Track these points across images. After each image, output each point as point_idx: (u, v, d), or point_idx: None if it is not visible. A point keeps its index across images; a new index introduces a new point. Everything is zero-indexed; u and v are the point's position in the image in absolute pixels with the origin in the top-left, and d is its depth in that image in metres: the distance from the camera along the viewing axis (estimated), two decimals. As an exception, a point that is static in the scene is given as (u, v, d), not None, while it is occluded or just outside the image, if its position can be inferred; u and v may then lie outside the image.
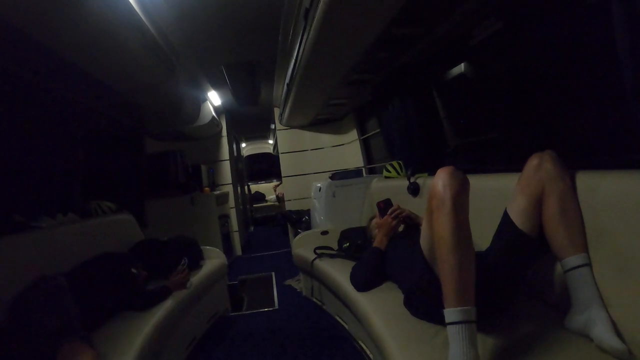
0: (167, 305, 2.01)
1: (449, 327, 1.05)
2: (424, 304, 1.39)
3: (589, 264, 1.16)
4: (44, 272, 1.65)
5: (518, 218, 1.28)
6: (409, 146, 2.88)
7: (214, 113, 4.50)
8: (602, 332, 1.04)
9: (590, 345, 1.08)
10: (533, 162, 1.29)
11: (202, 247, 2.97)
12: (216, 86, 3.97)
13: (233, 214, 5.45)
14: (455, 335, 1.03)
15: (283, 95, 4.11)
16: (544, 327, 1.21)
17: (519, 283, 1.40)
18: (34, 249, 1.88)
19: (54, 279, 1.61)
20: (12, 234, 1.86)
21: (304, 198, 5.17)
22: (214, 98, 4.28)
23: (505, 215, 1.33)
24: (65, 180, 2.58)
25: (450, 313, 1.05)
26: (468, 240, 1.12)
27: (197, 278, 2.48)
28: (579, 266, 1.16)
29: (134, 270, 2.08)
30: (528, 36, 1.77)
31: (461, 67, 2.32)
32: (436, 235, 1.13)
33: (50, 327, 1.36)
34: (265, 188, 9.68)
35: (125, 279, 1.99)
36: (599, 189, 1.19)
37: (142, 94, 2.78)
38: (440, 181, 1.15)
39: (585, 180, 1.25)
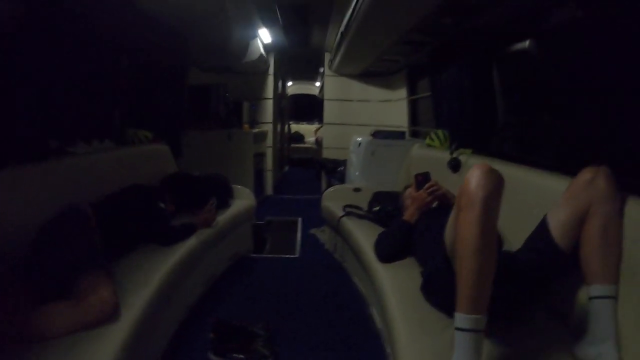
0: (190, 243, 2.04)
1: (457, 332, 1.02)
2: (440, 295, 1.38)
3: (615, 297, 1.09)
4: (72, 201, 1.65)
5: (556, 230, 1.22)
6: (458, 118, 2.73)
7: (262, 51, 4.40)
8: None
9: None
10: (585, 176, 1.20)
11: (233, 186, 3.00)
12: (268, 24, 3.83)
13: (269, 153, 5.49)
14: (461, 342, 1.01)
15: (336, 42, 3.94)
16: (551, 347, 1.17)
17: (539, 295, 1.35)
18: (68, 176, 1.90)
19: (80, 209, 1.61)
20: (48, 161, 1.85)
21: (342, 148, 5.08)
22: (264, 35, 4.15)
23: (544, 222, 1.27)
24: (105, 107, 2.57)
25: (461, 319, 1.02)
26: (492, 246, 1.05)
27: (223, 218, 2.52)
28: (605, 297, 1.10)
29: (161, 205, 2.08)
30: (606, 32, 1.58)
31: (525, 44, 2.12)
32: (459, 235, 1.06)
33: (71, 258, 1.35)
34: (306, 129, 9.60)
35: (152, 213, 1.99)
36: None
37: (189, 26, 2.72)
38: (473, 179, 1.05)
39: (635, 208, 1.14)
